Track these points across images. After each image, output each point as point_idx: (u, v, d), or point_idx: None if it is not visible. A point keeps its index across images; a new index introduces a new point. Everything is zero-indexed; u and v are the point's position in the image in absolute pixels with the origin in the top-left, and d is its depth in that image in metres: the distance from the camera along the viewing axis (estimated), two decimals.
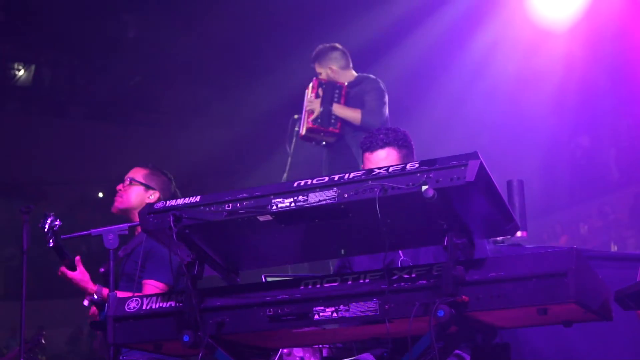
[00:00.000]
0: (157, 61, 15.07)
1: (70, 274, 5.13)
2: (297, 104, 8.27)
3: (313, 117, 7.75)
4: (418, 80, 11.90)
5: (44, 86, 17.29)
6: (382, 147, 4.12)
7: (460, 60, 12.17)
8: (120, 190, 5.68)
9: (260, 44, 13.67)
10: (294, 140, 8.16)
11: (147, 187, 5.69)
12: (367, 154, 4.18)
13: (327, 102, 7.72)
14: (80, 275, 5.15)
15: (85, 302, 5.18)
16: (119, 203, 5.66)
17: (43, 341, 9.02)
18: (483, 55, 11.99)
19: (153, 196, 5.68)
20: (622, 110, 13.92)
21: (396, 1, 11.66)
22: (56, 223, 5.03)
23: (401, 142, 4.13)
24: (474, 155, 2.90)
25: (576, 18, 10.98)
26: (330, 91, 7.77)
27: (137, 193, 5.66)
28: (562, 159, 14.72)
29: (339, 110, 7.71)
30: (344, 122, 7.71)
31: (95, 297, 5.12)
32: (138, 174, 5.72)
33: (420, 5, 11.56)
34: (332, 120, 7.73)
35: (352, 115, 7.69)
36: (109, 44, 15.06)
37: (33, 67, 17.07)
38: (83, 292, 5.36)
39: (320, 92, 7.78)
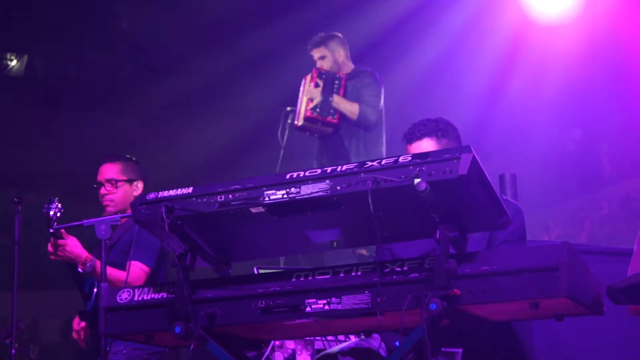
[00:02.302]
0: (151, 52, 15.04)
1: (61, 240, 5.11)
2: (292, 97, 8.25)
3: (312, 105, 7.73)
4: (412, 75, 11.89)
5: (37, 77, 17.23)
6: (419, 138, 4.03)
7: (453, 54, 12.17)
8: (107, 194, 5.65)
9: (256, 37, 13.64)
10: (286, 132, 8.14)
11: (131, 181, 5.69)
12: (407, 146, 4.12)
13: (327, 92, 7.71)
14: (71, 241, 5.14)
15: (79, 269, 5.19)
16: (113, 207, 5.63)
17: (22, 326, 9.00)
18: (477, 49, 11.99)
19: (138, 186, 5.69)
20: (615, 105, 13.93)
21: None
22: (60, 209, 5.03)
23: (441, 133, 4.03)
24: (466, 149, 2.89)
25: (572, 13, 10.98)
26: (331, 82, 7.76)
27: (125, 191, 5.66)
28: (555, 153, 14.73)
29: (338, 101, 7.70)
30: (342, 114, 7.71)
31: (87, 264, 5.13)
32: (115, 171, 5.69)
33: (415, 3, 11.57)
34: (331, 111, 7.72)
35: (350, 108, 7.69)
36: (103, 35, 15.02)
37: (26, 57, 17.01)
38: (76, 288, 5.38)
39: (320, 82, 7.76)
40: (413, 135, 4.07)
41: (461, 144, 4.03)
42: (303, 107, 7.80)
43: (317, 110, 7.71)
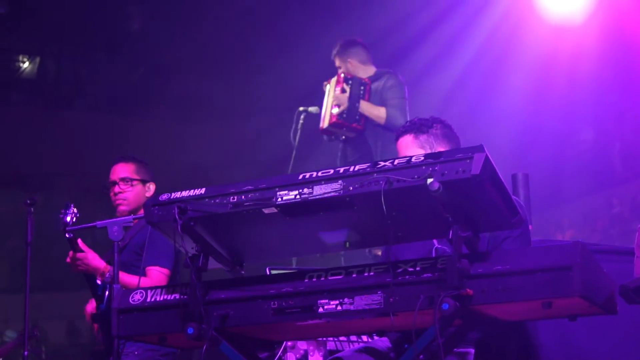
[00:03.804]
0: (162, 53, 15.06)
1: (80, 254, 5.13)
2: (303, 97, 8.23)
3: (339, 111, 7.72)
4: (424, 72, 11.87)
5: (49, 78, 17.29)
6: (400, 135, 4.13)
7: (467, 53, 12.14)
8: (121, 192, 5.66)
9: (266, 36, 13.64)
10: (299, 132, 8.14)
11: (144, 182, 5.70)
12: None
13: (354, 98, 7.70)
14: (90, 254, 5.17)
15: (98, 282, 5.20)
16: (126, 206, 5.64)
17: (37, 333, 9.07)
18: (490, 49, 11.96)
19: (150, 188, 5.70)
20: (626, 105, 13.90)
21: None
22: (75, 214, 5.05)
23: (420, 130, 4.07)
24: (479, 148, 2.89)
25: (584, 12, 10.96)
26: (357, 87, 7.74)
27: (138, 191, 5.67)
28: (567, 152, 14.69)
29: (365, 107, 7.69)
30: (367, 119, 7.71)
31: (107, 275, 5.15)
32: (129, 171, 5.70)
33: (425, 4, 11.57)
34: (357, 117, 7.72)
35: (377, 113, 7.68)
36: (114, 36, 15.06)
37: (38, 59, 17.07)
38: (87, 287, 5.38)
39: (346, 87, 7.75)
40: (398, 132, 4.17)
41: (454, 141, 4.06)
42: (328, 111, 7.80)
43: (344, 116, 7.71)
